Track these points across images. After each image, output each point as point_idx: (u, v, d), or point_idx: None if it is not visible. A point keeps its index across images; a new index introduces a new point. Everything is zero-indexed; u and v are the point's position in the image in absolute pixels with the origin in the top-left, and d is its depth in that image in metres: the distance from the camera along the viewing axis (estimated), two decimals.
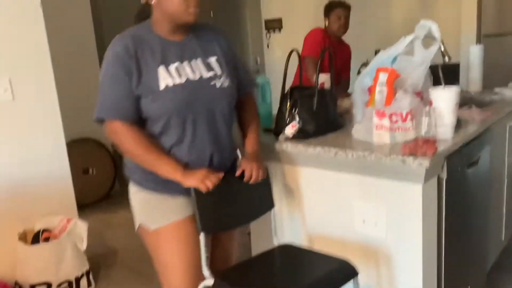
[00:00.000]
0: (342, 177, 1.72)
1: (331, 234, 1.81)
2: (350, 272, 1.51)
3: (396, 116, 1.63)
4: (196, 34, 1.57)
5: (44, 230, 2.56)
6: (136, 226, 1.62)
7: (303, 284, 1.47)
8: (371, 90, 1.80)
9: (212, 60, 1.58)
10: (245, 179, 1.57)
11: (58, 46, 2.91)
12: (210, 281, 1.50)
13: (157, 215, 1.55)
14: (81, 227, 2.61)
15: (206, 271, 1.51)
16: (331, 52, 2.03)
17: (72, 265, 2.57)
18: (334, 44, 3.01)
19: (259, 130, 1.73)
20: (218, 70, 1.57)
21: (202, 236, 1.50)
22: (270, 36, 6.13)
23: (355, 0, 3.19)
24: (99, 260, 2.93)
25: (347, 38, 3.14)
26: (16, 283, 2.49)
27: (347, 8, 3.03)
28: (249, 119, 1.71)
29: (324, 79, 2.31)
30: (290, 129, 1.82)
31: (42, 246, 2.48)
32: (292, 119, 1.84)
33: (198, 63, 1.54)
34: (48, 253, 2.48)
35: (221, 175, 1.50)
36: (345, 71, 3.09)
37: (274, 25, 6.01)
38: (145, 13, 1.55)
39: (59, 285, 2.53)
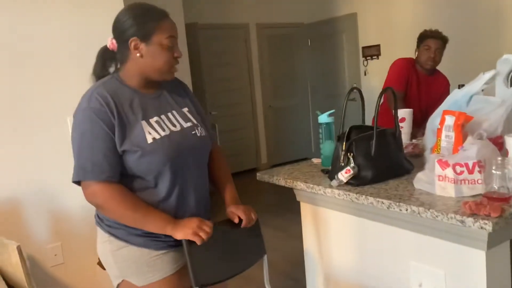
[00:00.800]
0: (399, 233, 1.53)
1: None
2: None
3: (461, 167, 1.41)
4: (164, 87, 1.57)
5: None
6: (118, 281, 1.53)
7: None
8: (438, 134, 1.60)
9: (185, 111, 1.58)
10: (244, 223, 1.54)
11: None
12: None
13: (145, 270, 1.48)
14: None
15: None
16: (393, 90, 1.84)
17: None
18: (423, 77, 2.78)
19: (231, 178, 1.71)
20: (194, 120, 1.57)
21: None
22: (367, 64, 5.91)
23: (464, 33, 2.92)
24: None
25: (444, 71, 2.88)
26: None
27: (440, 39, 2.78)
28: (222, 167, 1.70)
29: (405, 114, 2.13)
30: (344, 175, 1.69)
31: None
32: (347, 163, 1.70)
33: (175, 114, 1.54)
34: None
35: (211, 224, 1.45)
36: (435, 107, 2.81)
37: (372, 52, 5.80)
38: (109, 53, 1.53)
39: None
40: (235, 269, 1.60)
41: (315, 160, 2.14)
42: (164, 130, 1.48)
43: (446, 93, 2.84)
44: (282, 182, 1.90)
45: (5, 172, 2.54)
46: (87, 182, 1.41)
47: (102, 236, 1.56)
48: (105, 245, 1.54)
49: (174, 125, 1.51)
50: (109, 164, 1.39)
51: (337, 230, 1.79)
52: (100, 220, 1.56)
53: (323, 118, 2.00)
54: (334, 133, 2.01)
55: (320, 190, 1.72)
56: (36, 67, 2.58)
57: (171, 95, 1.58)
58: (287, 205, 4.98)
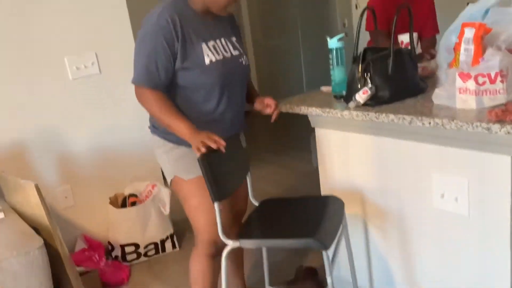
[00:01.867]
0: (419, 147, 1.57)
1: (403, 210, 1.67)
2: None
3: (483, 78, 1.42)
4: (219, 16, 1.72)
5: (131, 195, 2.74)
6: (171, 177, 1.80)
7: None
8: (456, 48, 1.59)
9: (234, 40, 1.78)
10: (273, 108, 1.82)
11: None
12: (235, 243, 1.59)
13: (191, 166, 1.69)
14: (164, 193, 2.75)
15: (222, 235, 1.60)
16: (410, 8, 1.81)
17: (157, 228, 2.73)
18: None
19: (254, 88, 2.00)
20: (240, 49, 1.78)
21: (216, 205, 1.58)
22: None
23: None
24: (183, 225, 3.08)
25: None
26: (109, 243, 2.72)
27: None
28: (249, 83, 1.96)
29: (405, 38, 2.11)
30: (361, 96, 1.69)
31: (129, 210, 2.66)
32: (364, 84, 1.70)
33: (226, 41, 1.73)
34: (135, 216, 2.66)
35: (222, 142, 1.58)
36: (427, 28, 2.73)
37: None
38: None
39: (146, 246, 2.72)
40: (240, 179, 1.86)
41: (324, 88, 2.13)
42: (218, 54, 1.68)
43: (432, 10, 2.73)
44: (296, 110, 1.90)
45: (10, 115, 2.49)
46: (140, 84, 1.65)
47: (157, 142, 1.80)
48: (160, 149, 1.80)
49: (226, 51, 1.71)
50: (159, 75, 1.62)
51: (355, 151, 1.82)
52: (155, 128, 1.80)
53: (333, 43, 1.96)
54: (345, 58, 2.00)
55: (337, 113, 1.73)
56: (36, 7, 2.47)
57: (223, 23, 1.76)
58: (284, 144, 5.06)
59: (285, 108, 1.95)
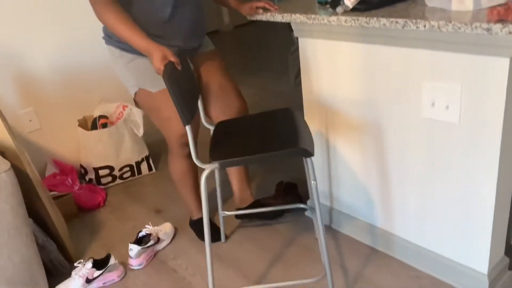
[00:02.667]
0: (411, 54, 1.49)
1: (391, 121, 1.63)
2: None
3: None
4: None
5: (101, 117, 2.59)
6: (135, 89, 1.80)
7: None
8: None
9: None
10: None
11: None
12: (214, 165, 1.49)
13: (155, 76, 1.65)
14: (136, 114, 2.62)
15: (196, 160, 1.52)
16: None
17: (131, 150, 2.63)
18: None
19: None
20: None
21: (188, 128, 1.48)
22: None
23: None
24: (159, 147, 3.00)
25: None
26: (81, 166, 2.62)
27: None
28: None
29: None
30: (349, 0, 1.56)
31: (101, 132, 2.54)
32: None
33: None
34: (108, 138, 2.54)
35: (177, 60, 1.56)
36: None
37: None
38: None
39: (121, 169, 2.63)
40: (196, 101, 1.75)
41: None
42: None
43: None
44: (278, 18, 1.76)
45: None
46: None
47: (113, 53, 1.78)
48: (118, 60, 1.78)
49: None
50: None
51: (341, 62, 1.73)
52: (109, 38, 1.77)
53: None
54: None
55: (323, 19, 1.61)
56: None
57: None
58: (261, 65, 4.89)
59: (266, 16, 1.80)
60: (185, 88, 1.56)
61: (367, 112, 1.71)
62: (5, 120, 1.80)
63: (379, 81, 1.63)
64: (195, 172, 1.98)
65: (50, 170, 2.58)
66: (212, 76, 1.90)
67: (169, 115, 1.74)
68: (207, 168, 1.49)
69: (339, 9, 1.59)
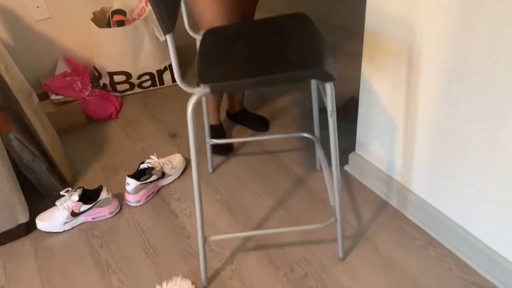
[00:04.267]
0: None
1: None
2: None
3: None
4: None
5: (116, 12, 2.16)
6: None
7: None
8: None
9: None
10: None
11: None
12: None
13: None
14: None
15: (180, 82, 1.05)
16: None
17: (152, 57, 2.23)
18: None
19: None
20: None
21: (169, 37, 1.00)
22: None
23: None
24: (186, 55, 2.57)
25: None
26: (95, 68, 2.27)
27: None
28: None
29: None
30: None
31: (115, 31, 2.12)
32: None
33: None
34: (122, 39, 2.13)
35: None
36: None
37: None
38: None
39: (139, 76, 2.26)
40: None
41: None
42: None
43: None
44: None
45: None
46: None
47: None
48: None
49: None
50: None
51: None
52: None
53: None
54: None
55: None
56: None
57: None
58: None
59: None
60: None
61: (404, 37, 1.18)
62: None
63: None
64: None
65: (61, 68, 2.25)
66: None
67: (208, 12, 1.51)
68: (195, 94, 1.07)
69: None
